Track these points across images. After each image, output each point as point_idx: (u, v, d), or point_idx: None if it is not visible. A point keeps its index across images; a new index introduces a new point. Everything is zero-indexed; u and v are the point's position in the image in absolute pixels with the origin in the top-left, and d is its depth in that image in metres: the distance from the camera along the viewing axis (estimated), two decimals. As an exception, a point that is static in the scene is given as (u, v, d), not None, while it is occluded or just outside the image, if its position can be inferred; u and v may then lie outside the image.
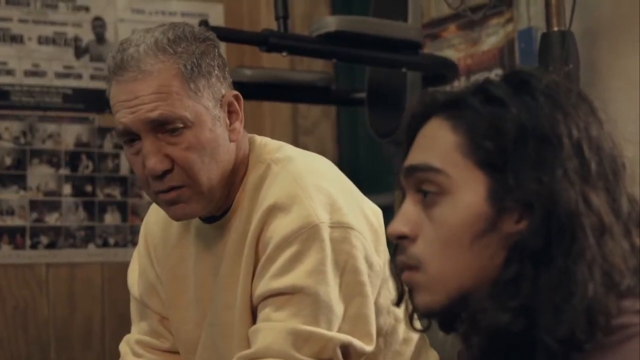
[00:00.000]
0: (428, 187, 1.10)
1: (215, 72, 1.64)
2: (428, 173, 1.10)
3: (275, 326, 1.57)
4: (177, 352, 1.84)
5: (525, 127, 1.07)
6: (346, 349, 1.58)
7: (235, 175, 1.68)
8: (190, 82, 1.60)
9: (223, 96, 1.65)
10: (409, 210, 1.12)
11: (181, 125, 1.59)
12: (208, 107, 1.62)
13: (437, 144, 1.11)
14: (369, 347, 1.61)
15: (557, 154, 1.05)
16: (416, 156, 1.13)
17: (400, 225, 1.12)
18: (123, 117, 1.60)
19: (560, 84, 1.12)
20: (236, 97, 1.67)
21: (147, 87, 1.58)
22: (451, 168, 1.09)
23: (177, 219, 1.69)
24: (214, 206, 1.68)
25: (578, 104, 1.10)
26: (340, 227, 1.61)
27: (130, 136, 1.62)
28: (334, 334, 1.57)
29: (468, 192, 1.08)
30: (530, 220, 1.05)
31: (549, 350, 1.03)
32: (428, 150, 1.12)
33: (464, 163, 1.09)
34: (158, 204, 1.69)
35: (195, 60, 1.61)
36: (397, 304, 1.19)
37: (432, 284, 1.10)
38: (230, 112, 1.66)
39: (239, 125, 1.67)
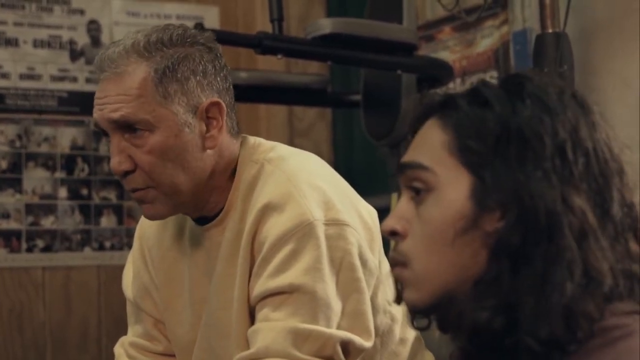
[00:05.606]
0: (417, 184, 1.12)
1: (197, 78, 1.64)
2: (417, 170, 1.12)
3: (274, 326, 1.57)
4: (171, 355, 1.84)
5: (507, 127, 1.07)
6: (346, 345, 1.58)
7: (219, 179, 1.68)
8: (160, 86, 1.61)
9: (200, 103, 1.64)
10: (402, 207, 1.13)
11: (143, 128, 1.61)
12: (177, 112, 1.62)
13: (428, 143, 1.13)
14: (368, 343, 1.61)
15: (538, 155, 1.06)
16: (409, 154, 1.15)
17: (392, 221, 1.13)
18: (94, 113, 1.65)
19: (553, 86, 1.12)
20: (217, 105, 1.66)
21: (116, 88, 1.62)
22: (438, 166, 1.10)
23: (150, 219, 1.71)
24: (193, 209, 1.69)
25: (569, 105, 1.10)
26: (335, 224, 1.61)
27: (104, 131, 1.65)
28: (333, 331, 1.57)
29: (452, 190, 1.09)
30: (506, 221, 1.06)
31: (530, 351, 1.03)
32: (419, 148, 1.14)
33: (450, 161, 1.10)
34: None
35: (170, 65, 1.62)
36: (397, 302, 1.20)
37: (418, 281, 1.11)
38: (210, 119, 1.66)
39: (217, 132, 1.66)
